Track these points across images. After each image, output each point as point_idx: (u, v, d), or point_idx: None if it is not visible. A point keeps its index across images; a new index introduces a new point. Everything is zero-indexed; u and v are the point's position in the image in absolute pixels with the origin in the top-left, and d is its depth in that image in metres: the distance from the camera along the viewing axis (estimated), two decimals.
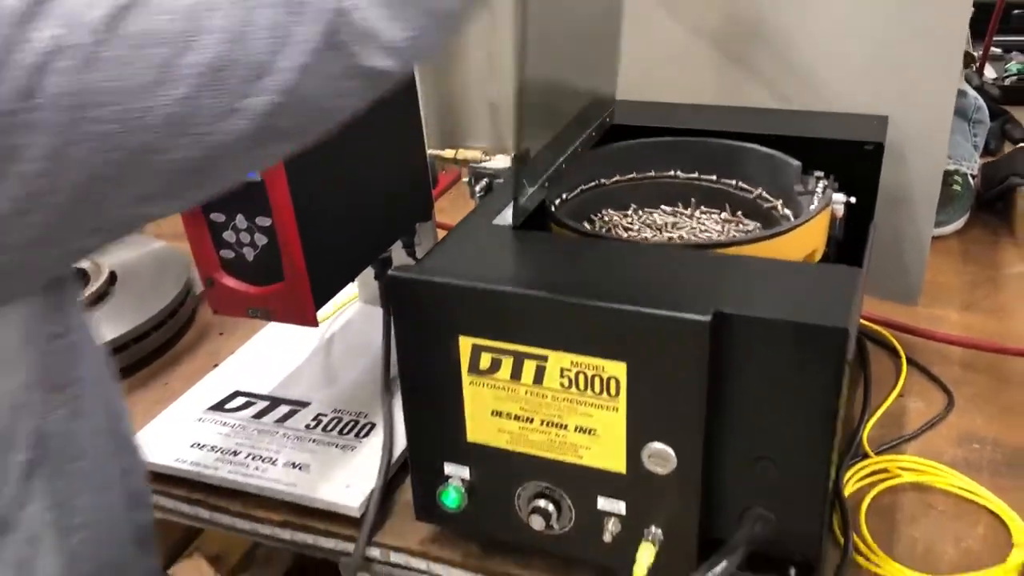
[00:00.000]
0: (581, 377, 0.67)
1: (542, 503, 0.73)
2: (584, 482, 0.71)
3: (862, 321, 1.05)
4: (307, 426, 0.93)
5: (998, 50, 2.06)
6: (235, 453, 0.90)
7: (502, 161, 0.96)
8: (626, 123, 0.98)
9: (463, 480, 0.76)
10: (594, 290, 0.66)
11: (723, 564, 0.68)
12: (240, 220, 0.82)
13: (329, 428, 0.92)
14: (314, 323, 0.84)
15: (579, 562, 0.76)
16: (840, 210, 0.83)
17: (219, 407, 0.97)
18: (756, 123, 0.97)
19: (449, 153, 1.01)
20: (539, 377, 0.69)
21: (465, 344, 0.70)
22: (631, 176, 0.93)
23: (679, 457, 0.67)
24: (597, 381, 0.67)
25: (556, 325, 0.66)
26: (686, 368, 0.64)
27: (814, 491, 0.67)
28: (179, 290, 1.15)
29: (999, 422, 0.91)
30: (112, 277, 1.17)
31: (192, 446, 0.91)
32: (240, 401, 0.98)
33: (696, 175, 0.92)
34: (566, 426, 0.70)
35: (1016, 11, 2.14)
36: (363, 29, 0.49)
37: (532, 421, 0.71)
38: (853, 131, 0.94)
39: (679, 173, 0.92)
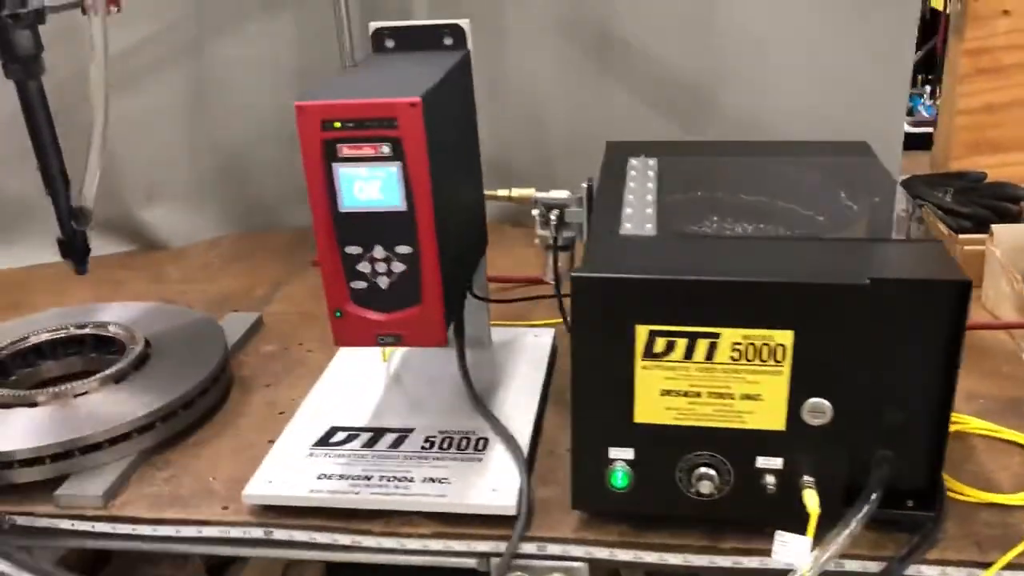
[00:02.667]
0: (751, 349, 0.79)
1: (703, 470, 0.84)
2: (745, 445, 0.83)
3: None
4: (423, 447, 0.98)
5: None
6: (367, 478, 0.93)
7: (560, 193, 1.07)
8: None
9: (626, 461, 0.85)
10: (763, 270, 0.79)
11: (868, 504, 0.81)
12: (378, 250, 0.88)
13: (445, 447, 0.98)
14: (445, 342, 0.91)
15: (729, 523, 0.87)
16: None
17: (323, 443, 1.00)
18: (761, 152, 1.15)
19: (503, 192, 1.10)
20: (711, 354, 0.80)
21: (642, 331, 0.80)
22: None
23: (835, 408, 0.80)
24: (765, 350, 0.79)
25: (730, 304, 0.78)
26: (847, 328, 0.77)
27: (938, 430, 0.82)
28: (219, 357, 1.15)
29: (987, 383, 1.11)
30: (147, 344, 1.15)
31: (319, 478, 0.94)
32: (342, 436, 1.01)
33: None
34: (733, 395, 0.81)
35: None
36: None
37: (700, 395, 0.82)
38: (846, 151, 1.14)
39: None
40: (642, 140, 1.20)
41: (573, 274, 0.80)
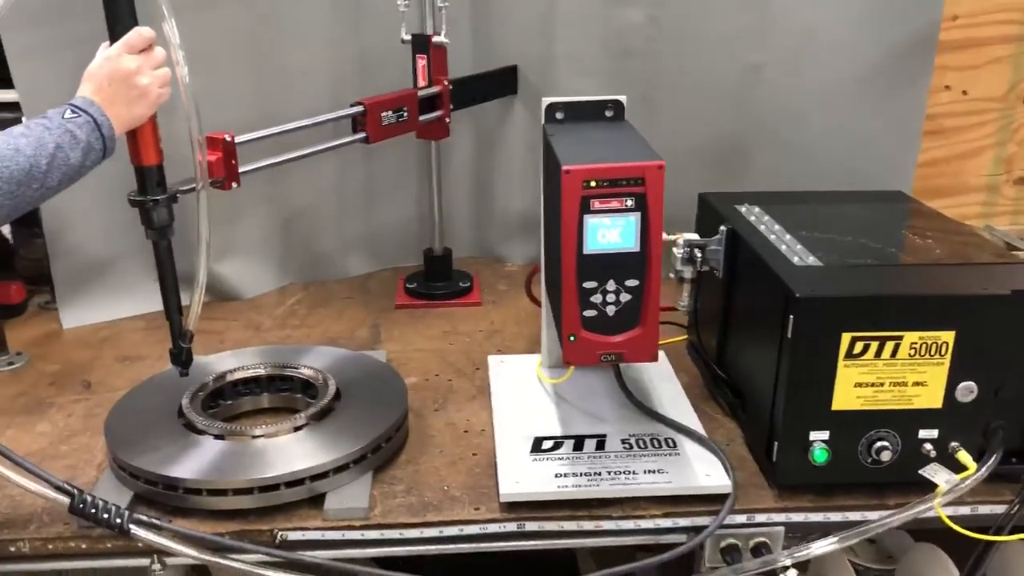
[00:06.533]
0: (923, 346, 1.06)
1: (881, 443, 1.09)
2: (910, 421, 1.09)
3: None
4: (625, 448, 1.18)
5: None
6: (597, 474, 1.13)
7: (692, 235, 1.30)
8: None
9: (823, 441, 1.09)
10: (930, 287, 1.06)
11: (993, 458, 1.09)
12: (610, 284, 1.08)
13: (643, 446, 1.18)
14: (657, 358, 1.12)
15: (893, 484, 1.12)
16: None
17: (537, 450, 1.18)
18: (826, 200, 1.44)
19: None
20: (894, 352, 1.06)
21: (846, 337, 1.05)
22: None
23: (979, 388, 1.07)
24: (933, 347, 1.06)
25: (912, 313, 1.04)
26: (991, 326, 1.05)
27: None
28: (403, 388, 1.30)
29: None
30: (337, 394, 1.27)
31: (557, 476, 1.12)
32: (549, 443, 1.19)
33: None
34: (907, 383, 1.07)
35: None
36: None
37: (883, 385, 1.07)
38: (893, 199, 1.44)
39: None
40: (724, 192, 1.46)
41: (799, 295, 1.04)
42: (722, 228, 1.29)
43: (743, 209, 1.37)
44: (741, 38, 1.66)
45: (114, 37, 1.07)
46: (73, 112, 1.02)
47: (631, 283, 1.08)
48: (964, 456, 1.08)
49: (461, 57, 1.71)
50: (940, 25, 1.64)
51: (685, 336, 1.52)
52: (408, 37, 1.59)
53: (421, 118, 1.57)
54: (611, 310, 1.09)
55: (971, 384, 1.07)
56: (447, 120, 1.62)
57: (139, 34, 1.06)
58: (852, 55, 1.64)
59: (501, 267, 1.92)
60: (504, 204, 1.89)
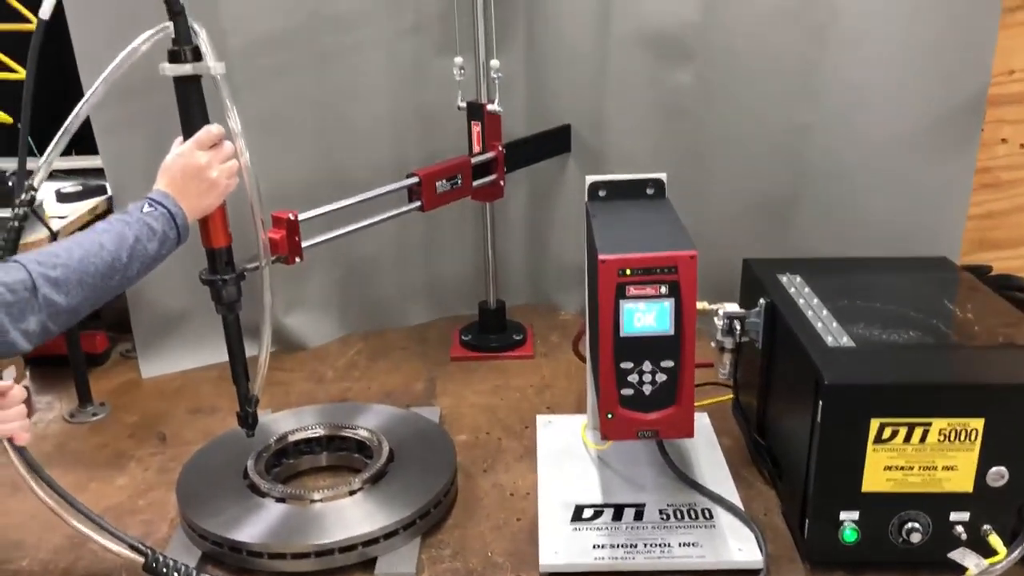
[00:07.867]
0: (952, 432, 1.08)
1: (911, 524, 1.12)
2: (941, 504, 1.11)
3: None
4: (662, 519, 1.23)
5: None
6: (633, 546, 1.17)
7: (732, 306, 1.34)
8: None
9: (853, 521, 1.12)
10: (961, 374, 1.08)
11: None
12: (647, 365, 1.13)
13: (680, 517, 1.23)
14: (693, 435, 1.16)
15: (926, 564, 1.14)
16: None
17: (578, 519, 1.23)
18: (868, 267, 1.46)
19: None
20: (923, 438, 1.08)
21: (875, 423, 1.08)
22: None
23: (1010, 473, 1.09)
24: (963, 433, 1.08)
25: (941, 401, 1.07)
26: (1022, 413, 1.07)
27: None
28: (452, 451, 1.37)
29: None
30: (391, 456, 1.35)
31: (595, 547, 1.17)
32: (590, 512, 1.25)
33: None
34: (936, 467, 1.10)
35: None
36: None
37: (912, 468, 1.10)
38: (937, 267, 1.46)
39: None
40: (770, 258, 1.50)
41: (828, 382, 1.08)
42: (761, 301, 1.32)
43: (784, 279, 1.40)
44: (790, 99, 1.69)
45: (187, 133, 1.17)
46: (150, 206, 1.12)
47: (666, 364, 1.12)
48: (995, 540, 1.10)
49: (516, 115, 1.78)
50: (988, 88, 1.64)
51: (731, 395, 1.55)
52: (463, 104, 1.66)
53: (475, 183, 1.64)
54: (647, 389, 1.14)
55: (1002, 469, 1.09)
56: (501, 183, 1.69)
57: (208, 132, 1.15)
58: (901, 116, 1.66)
59: (555, 316, 1.98)
60: (558, 254, 1.95)
